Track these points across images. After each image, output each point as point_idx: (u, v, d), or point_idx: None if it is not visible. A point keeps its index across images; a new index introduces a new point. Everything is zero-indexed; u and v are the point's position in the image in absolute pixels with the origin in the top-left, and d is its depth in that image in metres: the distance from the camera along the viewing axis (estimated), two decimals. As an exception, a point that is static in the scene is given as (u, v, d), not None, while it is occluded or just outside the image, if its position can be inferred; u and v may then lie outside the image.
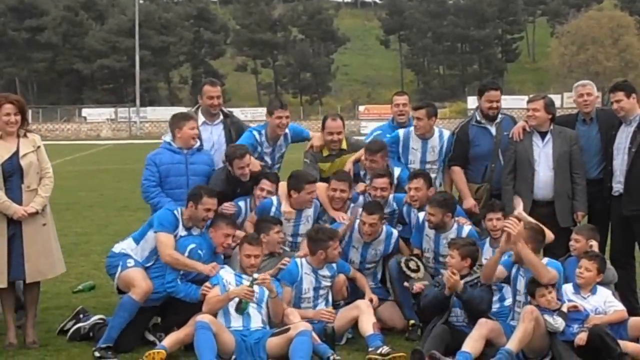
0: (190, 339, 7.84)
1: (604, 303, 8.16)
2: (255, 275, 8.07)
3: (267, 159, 9.79)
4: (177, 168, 9.20)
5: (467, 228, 9.02)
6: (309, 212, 9.28)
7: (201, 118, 9.78)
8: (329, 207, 9.25)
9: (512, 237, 7.77)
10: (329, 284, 8.73)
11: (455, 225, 8.97)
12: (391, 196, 9.50)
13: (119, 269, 8.52)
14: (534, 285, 7.88)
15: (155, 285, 8.40)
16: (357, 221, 9.08)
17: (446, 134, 9.95)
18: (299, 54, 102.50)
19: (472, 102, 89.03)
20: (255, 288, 8.01)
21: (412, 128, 9.93)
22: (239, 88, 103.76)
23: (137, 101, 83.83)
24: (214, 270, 8.28)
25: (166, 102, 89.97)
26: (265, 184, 9.28)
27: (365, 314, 8.37)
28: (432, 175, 9.71)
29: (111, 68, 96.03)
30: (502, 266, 8.16)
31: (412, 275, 8.72)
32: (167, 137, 9.41)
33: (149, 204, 9.34)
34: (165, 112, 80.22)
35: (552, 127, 9.40)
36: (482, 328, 7.83)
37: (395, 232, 9.26)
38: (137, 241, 8.66)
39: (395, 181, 9.64)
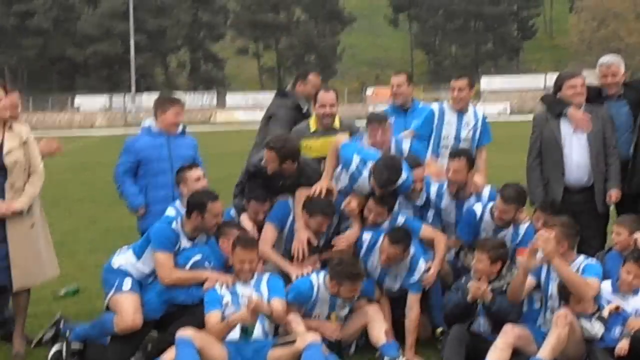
0: None
1: None
2: (254, 297, 7.51)
3: None
4: (159, 153, 9.06)
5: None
6: None
7: None
8: (287, 266, 8.46)
9: (547, 253, 7.30)
10: (346, 312, 8.14)
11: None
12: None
13: (113, 289, 8.06)
14: (568, 291, 7.41)
15: (153, 300, 8.02)
16: (378, 245, 8.41)
17: (480, 111, 9.75)
18: (303, 35, 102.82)
19: (485, 82, 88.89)
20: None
21: (445, 102, 9.74)
22: (240, 72, 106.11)
23: (133, 88, 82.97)
24: (224, 279, 7.83)
25: (163, 88, 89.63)
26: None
27: (375, 322, 7.99)
28: None
29: (105, 54, 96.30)
30: (530, 275, 7.68)
31: None
32: (147, 122, 9.31)
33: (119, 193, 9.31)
34: (162, 99, 78.65)
35: (584, 105, 9.21)
36: (508, 335, 7.37)
37: (422, 263, 8.44)
38: (138, 256, 8.21)
39: (405, 153, 9.15)
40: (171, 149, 9.06)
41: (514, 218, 8.52)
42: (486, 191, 8.86)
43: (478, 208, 8.66)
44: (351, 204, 8.48)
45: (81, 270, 12.06)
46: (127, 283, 8.06)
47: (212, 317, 7.56)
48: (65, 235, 15.21)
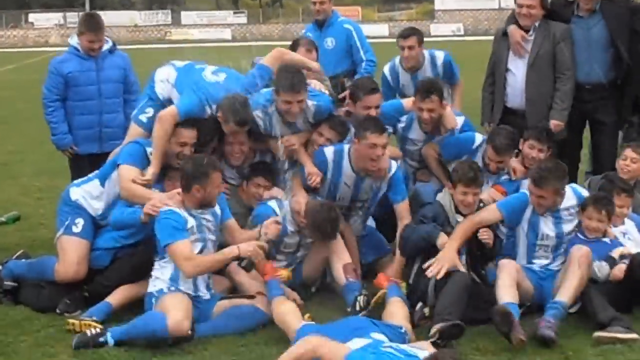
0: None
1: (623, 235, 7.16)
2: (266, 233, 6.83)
3: None
4: (87, 76, 8.58)
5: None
6: None
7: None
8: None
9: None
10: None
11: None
12: None
13: (63, 228, 7.18)
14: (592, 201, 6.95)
15: (106, 240, 7.15)
16: (346, 150, 7.47)
17: (440, 56, 9.02)
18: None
19: (439, 2, 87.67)
20: None
21: (397, 60, 9.04)
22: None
23: (87, 5, 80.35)
24: (175, 199, 6.65)
25: (119, 6, 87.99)
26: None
27: (335, 255, 7.10)
28: None
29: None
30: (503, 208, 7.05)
31: None
32: (74, 40, 8.67)
33: (46, 119, 8.70)
34: (117, 17, 78.80)
35: (537, 23, 8.47)
36: (510, 270, 6.68)
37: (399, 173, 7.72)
38: (102, 183, 7.29)
39: None
40: (99, 72, 8.62)
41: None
42: (460, 121, 8.14)
43: (479, 138, 7.99)
44: (290, 140, 7.59)
45: (24, 194, 11.53)
46: (79, 225, 7.21)
47: (184, 245, 6.46)
48: (10, 156, 14.92)
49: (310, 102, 7.50)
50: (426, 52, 9.00)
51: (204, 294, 6.68)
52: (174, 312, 6.26)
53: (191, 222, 6.56)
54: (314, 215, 7.06)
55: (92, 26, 8.60)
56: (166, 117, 7.14)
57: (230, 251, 6.60)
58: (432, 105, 7.78)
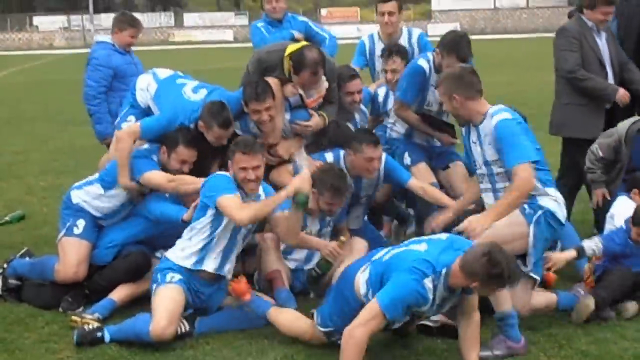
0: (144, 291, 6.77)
1: None
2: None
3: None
4: (130, 68, 9.19)
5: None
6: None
7: None
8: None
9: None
10: (330, 228, 7.43)
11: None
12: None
13: (64, 230, 7.15)
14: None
15: (115, 237, 7.18)
16: (342, 157, 7.58)
17: (416, 32, 9.07)
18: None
19: (436, 3, 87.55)
20: None
21: (376, 32, 9.15)
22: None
23: (90, 8, 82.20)
24: None
25: (121, 8, 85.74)
26: None
27: (348, 258, 6.85)
28: None
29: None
30: None
31: None
32: (106, 38, 9.36)
33: (88, 109, 9.17)
34: (120, 19, 78.07)
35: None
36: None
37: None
38: (106, 188, 7.16)
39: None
40: (136, 65, 9.28)
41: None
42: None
43: (424, 63, 7.84)
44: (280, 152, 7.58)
45: (29, 194, 11.62)
46: (80, 226, 7.22)
47: (235, 197, 6.29)
48: (15, 156, 15.05)
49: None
50: (405, 28, 9.12)
51: (226, 274, 6.57)
52: (159, 317, 6.15)
53: None
54: (322, 172, 7.17)
55: (134, 22, 9.40)
56: (123, 135, 7.13)
57: (285, 191, 6.31)
58: (394, 65, 8.38)
